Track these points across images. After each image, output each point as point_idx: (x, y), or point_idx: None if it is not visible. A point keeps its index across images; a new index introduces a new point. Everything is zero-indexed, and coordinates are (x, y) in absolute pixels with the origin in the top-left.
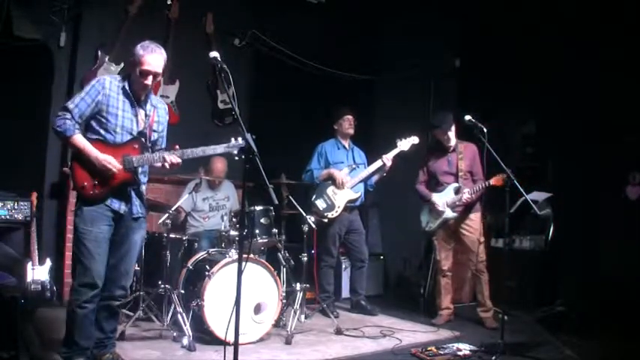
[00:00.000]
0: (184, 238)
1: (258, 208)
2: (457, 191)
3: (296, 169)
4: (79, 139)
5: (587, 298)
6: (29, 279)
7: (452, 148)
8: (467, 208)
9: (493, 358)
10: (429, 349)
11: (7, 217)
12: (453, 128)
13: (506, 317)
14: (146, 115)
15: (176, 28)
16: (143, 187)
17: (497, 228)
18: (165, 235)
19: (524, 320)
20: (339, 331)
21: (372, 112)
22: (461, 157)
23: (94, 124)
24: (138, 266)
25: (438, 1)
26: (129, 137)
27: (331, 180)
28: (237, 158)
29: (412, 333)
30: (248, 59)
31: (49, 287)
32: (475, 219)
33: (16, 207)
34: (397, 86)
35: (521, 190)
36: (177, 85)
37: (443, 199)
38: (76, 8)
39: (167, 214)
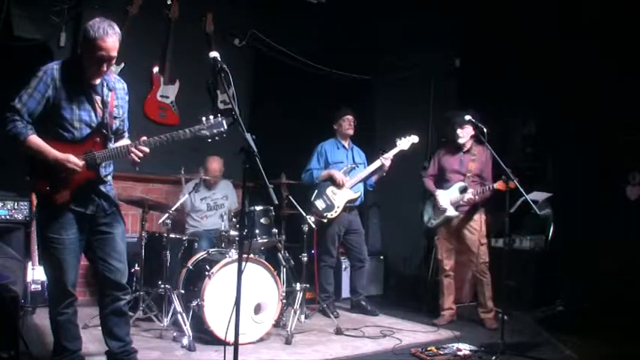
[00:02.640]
0: (184, 238)
1: (258, 208)
2: (462, 191)
3: (296, 169)
4: (35, 140)
5: (587, 298)
6: (29, 279)
7: (466, 149)
8: (471, 209)
9: (493, 358)
10: (429, 349)
11: (7, 217)
12: (468, 128)
13: (506, 317)
14: (103, 102)
15: (176, 28)
16: (109, 179)
17: (497, 228)
18: (165, 235)
19: (524, 320)
20: (339, 331)
21: (372, 112)
22: (473, 159)
23: (47, 121)
24: (138, 266)
25: (438, 1)
26: (88, 131)
27: (331, 180)
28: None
29: (412, 333)
30: (248, 59)
31: (47, 287)
32: (478, 220)
33: (16, 207)
34: (397, 86)
35: (522, 190)
36: (177, 85)
37: (447, 197)
38: (76, 8)
39: (167, 214)
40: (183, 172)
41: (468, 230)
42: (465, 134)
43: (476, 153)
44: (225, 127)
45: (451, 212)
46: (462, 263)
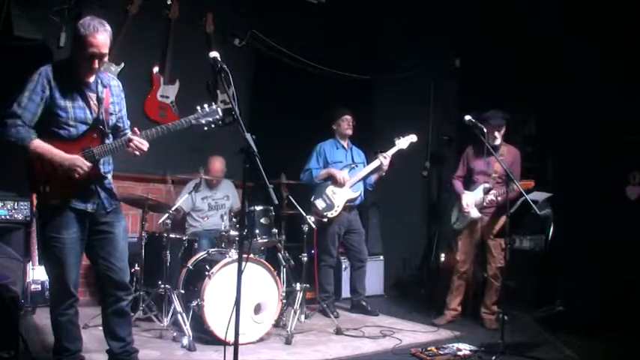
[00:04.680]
0: (184, 238)
1: (258, 208)
2: (487, 192)
3: (296, 169)
4: (39, 144)
5: (587, 298)
6: (29, 279)
7: (495, 149)
8: (496, 213)
9: (493, 358)
10: (429, 349)
11: (7, 217)
12: (503, 130)
13: (506, 317)
14: (98, 99)
15: (176, 28)
16: (109, 177)
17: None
18: (165, 235)
19: (524, 320)
20: (339, 331)
21: (372, 112)
22: (501, 159)
23: (44, 121)
24: (138, 266)
25: (438, 1)
26: (84, 128)
27: (330, 179)
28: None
29: (412, 333)
30: (248, 59)
31: (48, 287)
32: (502, 223)
33: (16, 207)
34: (397, 86)
35: (522, 190)
36: (177, 85)
37: (472, 198)
38: (76, 8)
39: (167, 214)
40: (181, 172)
41: (492, 234)
42: (500, 136)
43: (503, 153)
44: (221, 114)
45: (474, 214)
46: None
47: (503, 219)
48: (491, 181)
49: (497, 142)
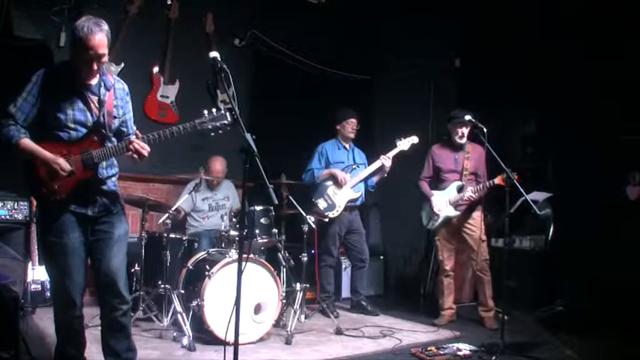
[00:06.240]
0: (184, 238)
1: (258, 208)
2: (460, 189)
3: (296, 169)
4: (26, 143)
5: (587, 298)
6: (29, 279)
7: (460, 147)
8: (469, 208)
9: (493, 358)
10: (429, 349)
11: (7, 217)
12: (468, 127)
13: (506, 317)
14: (100, 101)
15: (176, 28)
16: (113, 180)
17: (497, 228)
18: (165, 235)
19: (524, 320)
20: (339, 331)
21: (372, 112)
22: (467, 157)
23: (44, 123)
24: (138, 266)
25: (437, 0)
26: (84, 131)
27: (332, 180)
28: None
29: (412, 333)
30: (248, 59)
31: (49, 287)
32: (477, 218)
33: (16, 207)
34: (397, 86)
35: (522, 190)
36: (177, 85)
37: (445, 198)
38: (76, 8)
39: (167, 214)
40: (181, 172)
41: (468, 229)
42: (466, 133)
43: (469, 150)
44: (229, 119)
45: (451, 212)
46: (462, 263)
47: (479, 214)
48: (464, 179)
49: (463, 140)
